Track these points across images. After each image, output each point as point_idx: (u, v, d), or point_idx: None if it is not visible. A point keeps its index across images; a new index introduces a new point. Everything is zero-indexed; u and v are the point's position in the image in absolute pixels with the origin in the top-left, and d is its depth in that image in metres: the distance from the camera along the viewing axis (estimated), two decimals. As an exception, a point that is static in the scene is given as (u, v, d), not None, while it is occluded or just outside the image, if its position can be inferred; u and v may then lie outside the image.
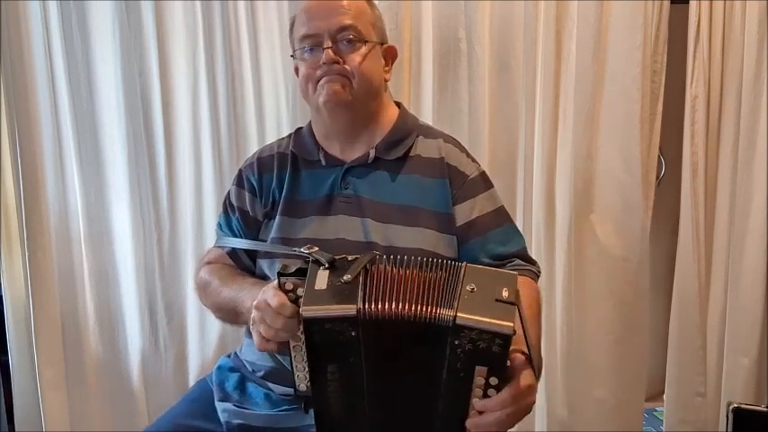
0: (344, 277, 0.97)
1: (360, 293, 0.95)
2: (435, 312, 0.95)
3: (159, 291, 1.80)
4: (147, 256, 1.78)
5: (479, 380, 0.95)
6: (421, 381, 0.99)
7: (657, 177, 1.98)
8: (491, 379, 0.95)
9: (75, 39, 1.69)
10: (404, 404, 1.02)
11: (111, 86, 1.72)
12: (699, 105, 1.89)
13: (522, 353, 0.97)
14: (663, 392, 2.08)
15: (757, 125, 1.87)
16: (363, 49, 1.19)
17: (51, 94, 1.69)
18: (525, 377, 0.96)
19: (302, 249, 1.03)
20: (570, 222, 1.88)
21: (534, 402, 0.99)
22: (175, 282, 1.81)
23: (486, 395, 0.96)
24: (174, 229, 1.79)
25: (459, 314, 0.92)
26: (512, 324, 0.91)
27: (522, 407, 0.97)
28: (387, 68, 1.26)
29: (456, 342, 0.93)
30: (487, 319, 0.92)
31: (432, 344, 0.95)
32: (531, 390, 0.97)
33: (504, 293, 0.95)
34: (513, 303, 0.94)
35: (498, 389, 0.95)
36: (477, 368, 0.94)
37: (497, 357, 0.93)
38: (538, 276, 1.25)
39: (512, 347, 0.93)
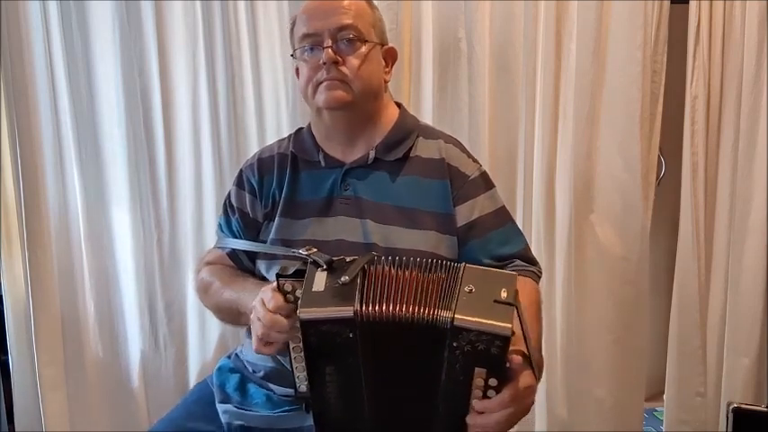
0: (342, 278, 0.97)
1: (357, 295, 0.95)
2: (433, 314, 0.95)
3: (159, 291, 1.80)
4: (147, 256, 1.78)
5: (479, 381, 0.95)
6: (421, 381, 0.99)
7: (657, 177, 1.98)
8: (490, 380, 0.95)
9: (75, 39, 1.69)
10: (404, 405, 1.02)
11: (111, 86, 1.72)
12: (699, 105, 1.88)
13: (522, 353, 0.97)
14: (663, 392, 2.08)
15: (757, 125, 1.87)
16: (363, 50, 1.18)
17: (51, 94, 1.69)
18: (525, 378, 0.96)
19: (301, 251, 1.03)
20: (570, 222, 1.88)
21: (533, 403, 1.00)
22: (175, 282, 1.81)
23: (485, 396, 0.96)
24: (174, 230, 1.79)
25: (457, 316, 0.92)
26: (510, 325, 0.91)
27: (522, 407, 0.97)
28: (387, 70, 1.26)
29: (455, 344, 0.93)
30: (486, 321, 0.92)
31: (431, 345, 0.95)
32: (531, 390, 0.97)
33: (503, 294, 0.94)
34: (511, 304, 0.94)
35: (498, 390, 0.95)
36: (477, 369, 0.94)
37: (496, 359, 0.93)
38: (539, 277, 1.25)
39: (511, 348, 0.93)
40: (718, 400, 1.99)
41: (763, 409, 1.41)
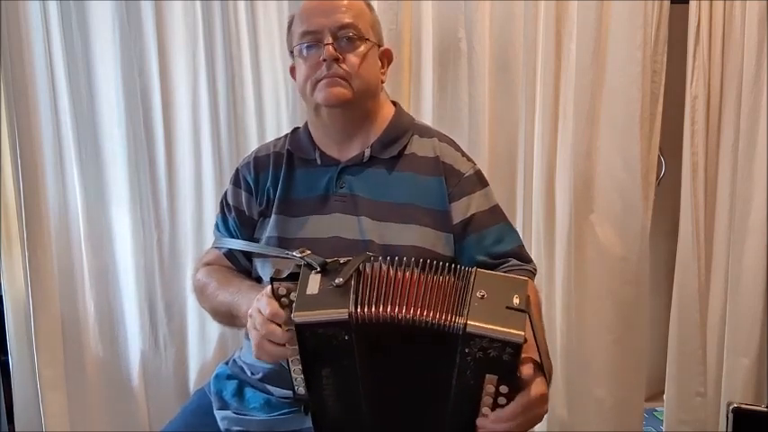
0: (336, 280, 0.96)
1: (352, 297, 0.95)
2: (444, 319, 0.94)
3: (159, 291, 1.80)
4: (147, 256, 1.78)
5: (489, 387, 0.94)
6: (426, 385, 0.99)
7: (657, 177, 1.98)
8: (501, 387, 0.94)
9: (75, 39, 1.69)
10: (405, 407, 1.02)
11: (111, 86, 1.72)
12: (699, 105, 1.88)
13: (533, 360, 0.96)
14: (663, 392, 2.08)
15: (757, 125, 1.87)
16: (362, 48, 1.19)
17: (51, 94, 1.69)
18: (537, 386, 0.95)
19: (294, 253, 1.03)
20: (570, 222, 1.88)
21: (546, 412, 0.98)
22: (175, 282, 1.81)
23: (496, 403, 0.95)
24: (174, 229, 1.79)
25: (469, 322, 0.92)
26: (523, 333, 0.91)
27: (534, 416, 0.96)
28: (383, 70, 1.27)
29: (466, 350, 0.92)
30: (498, 328, 0.91)
31: (438, 349, 0.95)
32: (543, 399, 0.96)
33: (516, 300, 0.94)
34: (523, 311, 0.93)
35: (508, 397, 0.95)
36: (488, 376, 0.94)
37: (508, 365, 0.92)
38: (534, 275, 1.25)
39: (523, 355, 0.93)
40: (718, 400, 1.99)
41: (763, 409, 1.41)
